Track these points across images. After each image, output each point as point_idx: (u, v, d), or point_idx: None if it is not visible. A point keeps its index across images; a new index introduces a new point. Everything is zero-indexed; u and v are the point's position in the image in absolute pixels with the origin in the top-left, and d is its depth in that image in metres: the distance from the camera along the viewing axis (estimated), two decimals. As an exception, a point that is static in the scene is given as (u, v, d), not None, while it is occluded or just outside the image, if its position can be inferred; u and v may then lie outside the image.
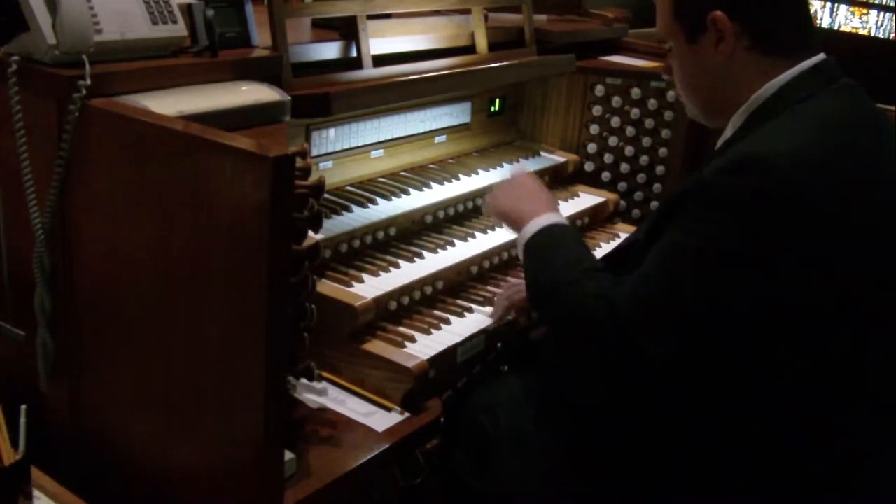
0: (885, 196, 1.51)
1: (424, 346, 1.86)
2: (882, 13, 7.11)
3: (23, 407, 1.39)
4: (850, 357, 1.49)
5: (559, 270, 1.68)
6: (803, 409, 1.50)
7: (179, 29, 1.68)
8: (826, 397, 1.50)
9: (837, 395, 1.50)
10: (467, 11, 2.52)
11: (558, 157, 2.80)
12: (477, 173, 2.50)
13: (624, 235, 2.54)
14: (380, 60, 2.17)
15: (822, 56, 1.57)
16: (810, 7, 1.70)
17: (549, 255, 1.74)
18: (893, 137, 1.60)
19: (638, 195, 2.82)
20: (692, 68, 1.63)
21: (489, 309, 2.05)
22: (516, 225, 1.87)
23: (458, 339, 1.91)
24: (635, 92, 2.77)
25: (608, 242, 2.53)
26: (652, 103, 2.76)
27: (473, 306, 2.04)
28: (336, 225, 2.03)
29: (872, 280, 1.48)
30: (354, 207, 2.13)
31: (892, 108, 2.71)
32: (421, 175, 2.41)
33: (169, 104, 1.52)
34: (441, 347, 1.87)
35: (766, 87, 1.55)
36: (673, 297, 1.46)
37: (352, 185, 2.27)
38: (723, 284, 1.43)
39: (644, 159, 2.79)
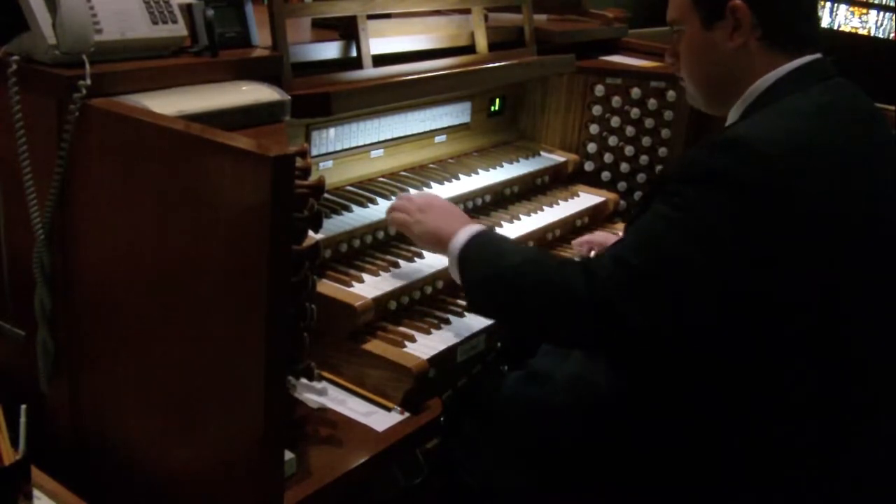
0: (864, 185, 1.54)
1: (424, 346, 1.86)
2: (882, 13, 7.11)
3: (23, 407, 1.38)
4: (825, 336, 1.51)
5: (512, 256, 1.67)
6: (782, 387, 1.52)
7: (179, 29, 1.68)
8: (803, 378, 1.52)
9: (815, 375, 1.52)
10: (467, 11, 2.52)
11: (558, 157, 2.80)
12: (477, 173, 2.50)
13: (624, 235, 2.54)
14: (380, 60, 2.17)
15: (817, 55, 1.62)
16: (819, 7, 1.75)
17: (496, 251, 1.73)
18: (884, 132, 1.64)
19: (638, 195, 2.82)
20: (702, 54, 1.68)
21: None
22: (442, 243, 1.83)
23: (458, 339, 1.91)
24: (635, 92, 2.77)
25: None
26: (652, 103, 2.76)
27: (473, 306, 2.04)
28: (336, 225, 2.03)
29: (848, 258, 1.50)
30: (354, 207, 2.13)
31: (892, 108, 2.71)
32: (421, 175, 2.41)
33: (169, 104, 1.52)
34: (441, 347, 1.86)
35: (762, 81, 1.61)
36: (651, 265, 1.48)
37: (352, 185, 2.27)
38: (698, 255, 1.46)
39: (644, 159, 2.79)
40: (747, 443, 1.54)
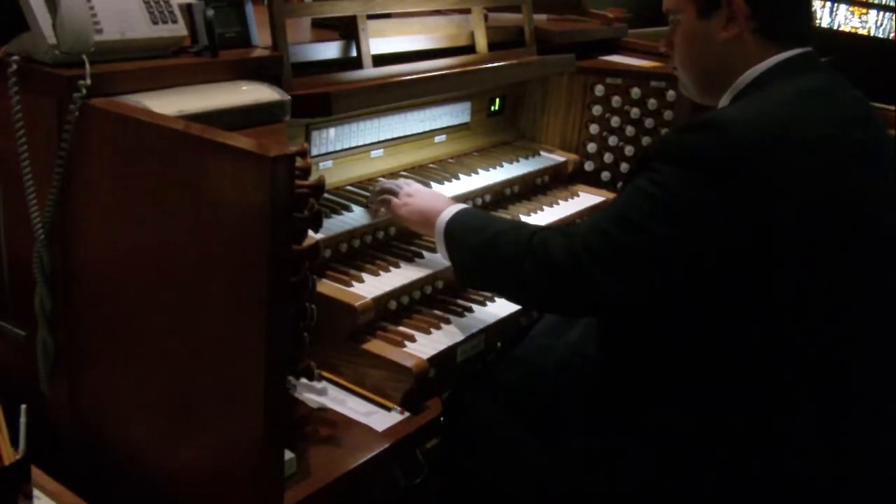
0: (844, 172, 1.55)
1: (424, 345, 1.86)
2: (882, 13, 7.11)
3: (23, 407, 1.39)
4: (794, 314, 1.52)
5: (496, 225, 1.79)
6: (749, 367, 1.54)
7: (179, 29, 1.68)
8: (773, 354, 1.53)
9: (782, 352, 1.53)
10: (467, 11, 2.52)
11: (558, 157, 2.80)
12: (477, 173, 2.50)
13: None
14: (380, 60, 2.17)
15: (808, 48, 1.65)
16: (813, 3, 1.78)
17: (479, 223, 1.84)
18: (874, 127, 1.65)
19: (638, 195, 2.82)
20: (696, 43, 1.72)
21: (489, 309, 2.05)
22: (428, 221, 1.94)
23: (458, 339, 1.91)
24: (635, 92, 2.77)
25: (608, 242, 2.53)
26: (652, 103, 2.76)
27: (473, 306, 2.04)
28: (336, 225, 2.03)
29: (820, 240, 1.52)
30: (354, 207, 2.13)
31: (892, 108, 2.71)
32: (421, 175, 2.41)
33: (169, 104, 1.52)
34: (441, 347, 1.87)
35: (751, 71, 1.65)
36: (628, 235, 1.54)
37: (352, 185, 2.27)
38: (668, 229, 1.50)
39: (644, 159, 2.79)
40: (730, 414, 1.55)
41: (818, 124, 1.55)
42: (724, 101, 1.70)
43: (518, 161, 2.68)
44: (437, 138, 2.57)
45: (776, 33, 1.64)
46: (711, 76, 1.72)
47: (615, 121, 2.80)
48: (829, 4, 7.23)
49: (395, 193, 2.06)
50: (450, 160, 2.58)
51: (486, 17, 2.55)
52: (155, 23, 1.64)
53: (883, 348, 1.60)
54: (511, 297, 1.85)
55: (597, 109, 2.83)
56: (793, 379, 1.53)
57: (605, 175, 2.83)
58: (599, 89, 2.82)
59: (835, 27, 7.24)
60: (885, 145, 1.66)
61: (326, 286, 1.87)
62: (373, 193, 2.12)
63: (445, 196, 2.06)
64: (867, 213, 1.56)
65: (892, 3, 7.03)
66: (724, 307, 1.52)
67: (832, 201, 1.52)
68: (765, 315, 1.51)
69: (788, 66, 1.63)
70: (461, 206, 1.95)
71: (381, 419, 1.73)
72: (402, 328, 1.91)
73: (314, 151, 2.15)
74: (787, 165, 1.48)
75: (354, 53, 2.14)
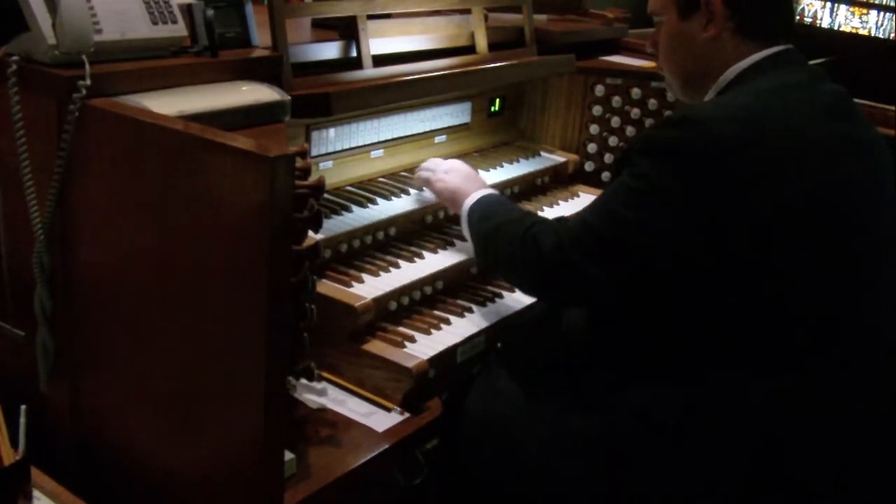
0: (820, 161, 1.56)
1: (424, 346, 1.86)
2: (882, 13, 7.10)
3: (23, 407, 1.39)
4: (773, 301, 1.53)
5: (502, 216, 1.89)
6: (737, 353, 1.55)
7: (179, 29, 1.68)
8: (756, 346, 1.54)
9: (767, 345, 1.54)
10: (467, 11, 2.52)
11: (558, 157, 2.80)
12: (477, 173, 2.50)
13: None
14: (380, 60, 2.17)
15: (789, 45, 1.69)
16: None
17: (491, 211, 1.95)
18: (855, 121, 1.67)
19: (638, 195, 2.82)
20: (678, 43, 1.77)
21: (489, 309, 2.05)
22: (457, 202, 2.07)
23: (458, 339, 1.91)
24: (635, 92, 2.77)
25: (608, 242, 2.53)
26: (652, 103, 2.76)
27: (473, 306, 2.04)
28: (336, 225, 2.03)
29: (801, 230, 1.53)
30: (354, 207, 2.13)
31: (892, 108, 2.71)
32: (421, 175, 2.41)
33: (169, 104, 1.52)
34: (441, 347, 1.86)
35: (733, 69, 1.69)
36: (610, 226, 1.59)
37: (352, 185, 2.27)
38: (650, 220, 1.54)
39: (644, 159, 2.79)
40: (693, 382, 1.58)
41: (796, 117, 1.57)
42: (707, 99, 1.73)
43: (518, 161, 2.68)
44: (438, 138, 2.57)
45: (755, 32, 1.68)
46: (694, 75, 1.76)
47: (615, 121, 2.80)
48: (829, 4, 7.23)
49: (432, 170, 2.19)
50: (450, 160, 2.58)
51: (486, 18, 2.55)
52: (155, 23, 1.64)
53: (873, 336, 1.60)
54: (514, 285, 1.98)
55: (597, 110, 2.83)
56: (780, 360, 1.54)
57: (606, 175, 2.83)
58: (599, 89, 2.82)
59: (835, 27, 7.24)
60: (865, 138, 1.67)
61: (326, 286, 1.87)
62: (419, 168, 2.26)
63: (479, 178, 2.17)
64: (848, 203, 1.58)
65: (892, 4, 7.03)
66: (706, 295, 1.54)
67: (812, 192, 1.53)
68: (749, 302, 1.52)
69: (768, 64, 1.66)
70: (486, 191, 2.05)
71: (381, 420, 1.73)
72: (402, 328, 1.91)
73: (314, 151, 2.15)
74: (764, 158, 1.50)
75: (354, 53, 2.14)
